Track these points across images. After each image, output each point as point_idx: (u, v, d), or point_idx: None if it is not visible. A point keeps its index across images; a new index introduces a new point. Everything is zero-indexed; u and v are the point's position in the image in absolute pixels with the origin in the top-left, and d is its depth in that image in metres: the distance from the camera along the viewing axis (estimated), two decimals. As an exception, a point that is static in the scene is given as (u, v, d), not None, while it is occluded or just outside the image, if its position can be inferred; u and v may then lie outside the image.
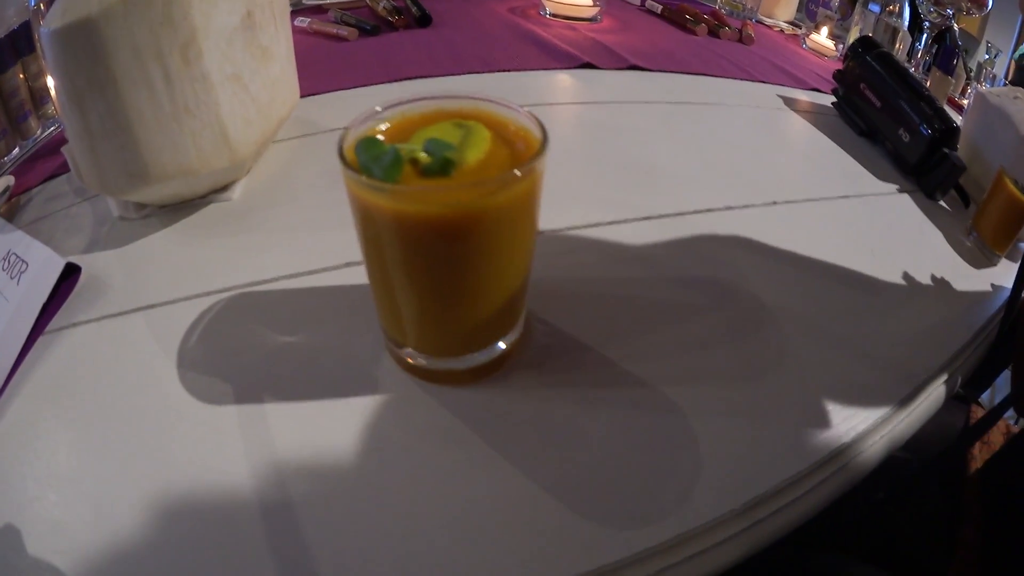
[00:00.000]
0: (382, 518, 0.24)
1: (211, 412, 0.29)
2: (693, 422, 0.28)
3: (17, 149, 0.55)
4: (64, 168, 0.51)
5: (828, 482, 0.27)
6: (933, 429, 0.33)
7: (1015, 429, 0.41)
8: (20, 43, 0.54)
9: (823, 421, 0.28)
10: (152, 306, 0.35)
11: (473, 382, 0.29)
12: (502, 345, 0.29)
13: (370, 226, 0.24)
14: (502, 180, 0.22)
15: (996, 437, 0.39)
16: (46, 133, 0.58)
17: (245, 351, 0.32)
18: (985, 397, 0.50)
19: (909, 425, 0.30)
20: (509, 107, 0.27)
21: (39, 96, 0.57)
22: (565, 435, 0.27)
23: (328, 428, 0.28)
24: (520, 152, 0.25)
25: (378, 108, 0.26)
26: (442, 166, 0.23)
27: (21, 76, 0.54)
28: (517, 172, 0.22)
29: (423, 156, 0.24)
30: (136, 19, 0.34)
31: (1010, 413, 0.38)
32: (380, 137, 0.25)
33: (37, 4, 0.50)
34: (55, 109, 0.57)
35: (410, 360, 0.29)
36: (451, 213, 0.23)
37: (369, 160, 0.23)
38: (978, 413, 0.43)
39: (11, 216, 0.47)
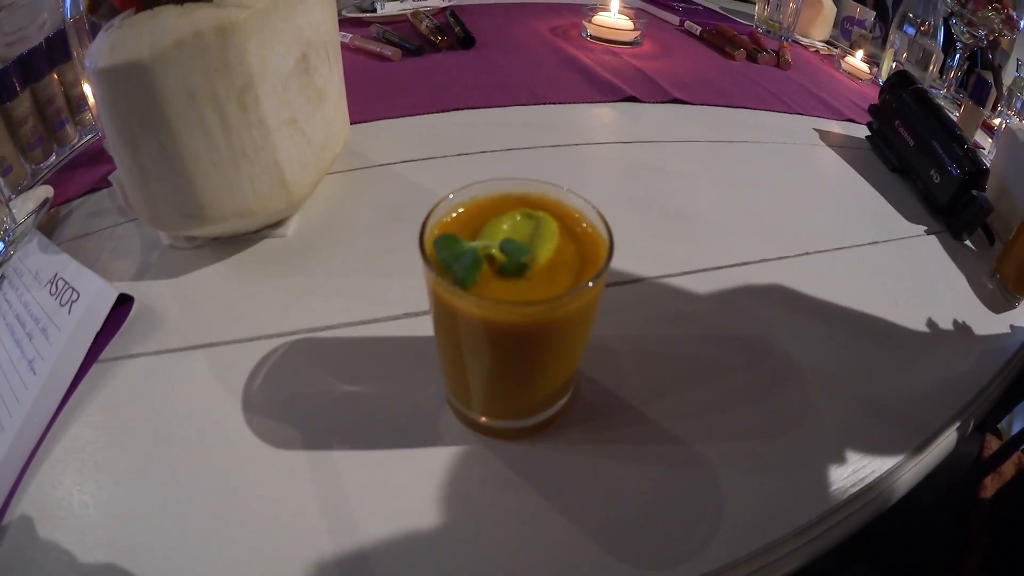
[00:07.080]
0: (443, 558, 0.27)
1: (279, 455, 0.31)
2: (720, 476, 0.31)
3: (54, 156, 0.54)
4: (104, 182, 0.50)
5: (836, 528, 0.30)
6: (946, 457, 0.35)
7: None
8: (56, 50, 0.53)
9: (836, 474, 0.31)
10: (213, 344, 0.36)
11: (528, 437, 0.32)
12: (556, 407, 0.31)
13: (447, 317, 0.26)
14: (575, 295, 0.24)
15: (1008, 467, 0.41)
16: (83, 141, 0.57)
17: (311, 397, 0.34)
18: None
19: (918, 472, 0.33)
20: (573, 195, 0.28)
21: (76, 103, 0.56)
22: (606, 486, 0.30)
23: (393, 476, 0.30)
24: (587, 250, 0.27)
25: (451, 195, 0.28)
26: (518, 269, 0.25)
27: (56, 78, 0.53)
28: (590, 284, 0.24)
29: (499, 255, 0.25)
30: (190, 64, 0.33)
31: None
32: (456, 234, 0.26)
33: (73, 15, 0.49)
34: (92, 116, 0.56)
35: (473, 419, 0.31)
36: (526, 320, 0.25)
37: (450, 258, 0.25)
38: (992, 442, 0.45)
39: (51, 230, 0.46)
